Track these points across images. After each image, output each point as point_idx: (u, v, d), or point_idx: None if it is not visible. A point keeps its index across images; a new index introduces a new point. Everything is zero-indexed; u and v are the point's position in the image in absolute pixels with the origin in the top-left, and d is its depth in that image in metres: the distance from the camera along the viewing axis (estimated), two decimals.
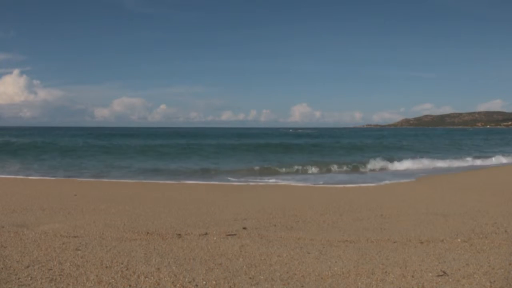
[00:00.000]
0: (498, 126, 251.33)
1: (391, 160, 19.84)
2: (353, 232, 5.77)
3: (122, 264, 3.99)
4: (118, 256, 4.27)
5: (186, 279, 3.59)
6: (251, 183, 13.41)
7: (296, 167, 17.70)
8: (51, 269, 3.75)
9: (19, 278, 3.51)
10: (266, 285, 3.52)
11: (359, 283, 3.58)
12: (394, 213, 7.40)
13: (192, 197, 10.00)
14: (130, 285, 3.44)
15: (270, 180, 14.26)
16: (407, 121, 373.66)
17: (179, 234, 5.49)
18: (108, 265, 3.93)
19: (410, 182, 13.64)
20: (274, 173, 16.48)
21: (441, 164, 20.48)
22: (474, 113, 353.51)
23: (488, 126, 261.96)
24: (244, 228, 5.97)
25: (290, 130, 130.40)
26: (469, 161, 21.89)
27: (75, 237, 5.18)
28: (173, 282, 3.51)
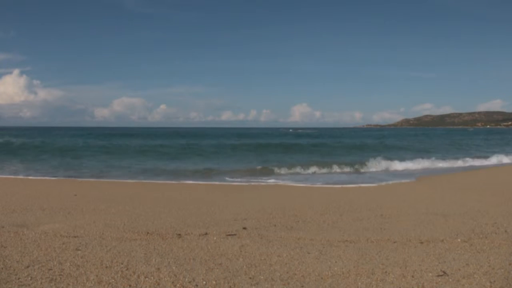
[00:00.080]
0: (498, 126, 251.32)
1: (391, 160, 19.83)
2: (353, 232, 5.77)
3: (122, 264, 3.99)
4: (118, 256, 4.27)
5: (186, 279, 3.59)
6: (251, 183, 13.42)
7: (296, 167, 17.69)
8: (51, 269, 3.75)
9: (19, 278, 3.51)
10: (266, 285, 3.52)
11: (359, 283, 3.58)
12: (394, 213, 7.40)
13: (192, 197, 10.00)
14: (130, 285, 3.44)
15: (270, 180, 14.26)
16: (407, 121, 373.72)
17: (179, 234, 5.49)
18: (108, 265, 3.93)
19: (410, 182, 13.64)
20: (274, 173, 16.48)
21: (441, 164, 20.48)
22: (474, 113, 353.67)
23: (488, 126, 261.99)
24: (244, 228, 5.97)
25: (290, 130, 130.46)
26: (469, 161, 21.89)
27: (75, 237, 5.18)
28: (173, 282, 3.51)
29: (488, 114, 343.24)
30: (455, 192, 10.59)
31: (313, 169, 17.45)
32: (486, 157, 23.38)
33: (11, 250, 4.39)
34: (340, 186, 12.58)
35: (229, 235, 5.48)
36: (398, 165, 18.96)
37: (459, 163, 21.27)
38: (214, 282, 3.54)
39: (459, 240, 5.19)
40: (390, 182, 13.35)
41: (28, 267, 3.81)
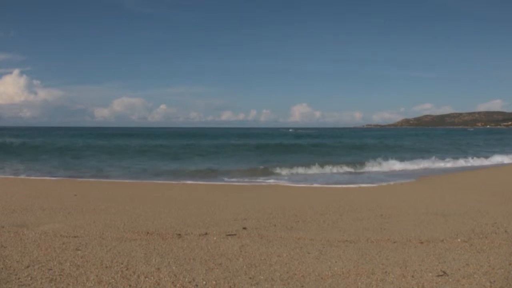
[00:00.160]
0: (498, 126, 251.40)
1: (391, 160, 19.82)
2: (353, 232, 5.77)
3: (122, 264, 3.99)
4: (118, 256, 4.27)
5: (186, 279, 3.59)
6: (251, 183, 13.42)
7: (296, 167, 17.68)
8: (51, 269, 3.75)
9: (19, 278, 3.51)
10: (266, 285, 3.52)
11: (359, 283, 3.58)
12: (394, 213, 7.40)
13: (192, 197, 10.00)
14: (130, 285, 3.44)
15: (270, 180, 14.25)
16: (407, 121, 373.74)
17: (179, 234, 5.49)
18: (108, 265, 3.93)
19: (410, 182, 13.64)
20: (274, 173, 16.46)
21: (441, 164, 20.48)
22: (474, 113, 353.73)
23: (488, 126, 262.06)
24: (244, 228, 5.97)
25: (290, 130, 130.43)
26: (469, 161, 21.89)
27: (75, 237, 5.18)
28: (173, 282, 3.51)
29: (488, 114, 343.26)
30: (455, 192, 10.59)
31: (313, 169, 17.44)
32: (486, 157, 23.36)
33: (11, 250, 4.39)
34: (340, 186, 12.58)
35: (229, 235, 5.48)
36: (398, 165, 18.96)
37: (459, 163, 21.26)
38: (214, 282, 3.54)
39: (459, 240, 5.19)
40: (390, 182, 13.35)
41: (28, 267, 3.81)
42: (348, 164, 18.85)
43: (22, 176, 14.85)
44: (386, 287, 3.50)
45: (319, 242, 5.11)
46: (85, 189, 11.12)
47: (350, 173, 17.11)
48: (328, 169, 17.69)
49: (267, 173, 16.68)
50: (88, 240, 4.98)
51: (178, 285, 3.47)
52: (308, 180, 14.45)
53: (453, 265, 4.06)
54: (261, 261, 4.22)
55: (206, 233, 5.57)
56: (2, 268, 3.77)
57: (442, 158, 22.19)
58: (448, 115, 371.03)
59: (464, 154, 25.69)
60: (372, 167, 18.37)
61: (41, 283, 3.42)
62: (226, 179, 14.65)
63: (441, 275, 3.75)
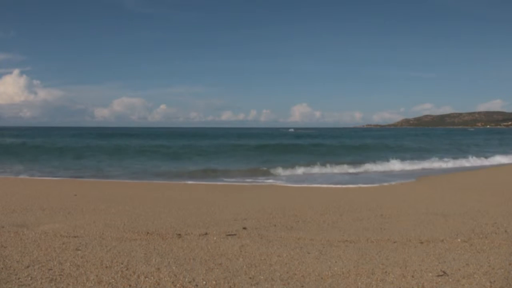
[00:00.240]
0: (498, 126, 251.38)
1: (391, 160, 19.83)
2: (353, 232, 5.77)
3: (122, 264, 3.99)
4: (118, 256, 4.26)
5: (186, 279, 3.59)
6: (251, 183, 13.42)
7: (296, 167, 17.69)
8: (51, 269, 3.75)
9: (19, 278, 3.51)
10: (266, 285, 3.51)
11: (359, 283, 3.58)
12: (394, 213, 7.40)
13: (192, 197, 10.00)
14: (130, 285, 3.44)
15: (270, 180, 14.26)
16: (407, 121, 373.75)
17: (179, 234, 5.49)
18: (108, 265, 3.93)
19: (410, 182, 13.64)
20: (274, 173, 16.46)
21: (441, 164, 20.48)
22: (474, 113, 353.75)
23: (488, 126, 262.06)
24: (244, 228, 5.97)
25: (290, 130, 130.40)
26: (469, 161, 21.89)
27: (75, 237, 5.18)
28: (173, 282, 3.51)
29: (488, 114, 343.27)
30: (455, 192, 10.59)
31: (313, 169, 17.44)
32: (486, 157, 23.37)
33: (11, 250, 4.39)
34: (340, 186, 12.58)
35: (229, 235, 5.48)
36: (398, 165, 18.96)
37: (459, 163, 21.26)
38: (214, 282, 3.54)
39: (459, 240, 5.19)
40: (391, 183, 13.35)
41: (28, 267, 3.81)
42: (348, 164, 18.86)
43: (22, 176, 14.85)
44: (386, 287, 3.50)
45: (319, 242, 5.11)
46: (85, 189, 11.12)
47: (350, 173, 17.11)
48: (328, 169, 17.69)
49: (267, 173, 16.69)
50: (88, 240, 4.97)
51: (178, 285, 3.47)
52: (308, 180, 14.45)
53: (453, 265, 4.06)
54: (261, 261, 4.22)
55: (206, 233, 5.57)
56: (2, 268, 3.76)
57: (442, 158, 22.19)
58: (448, 115, 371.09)
59: (464, 154, 25.67)
60: (372, 167, 18.37)
61: (41, 283, 3.42)
62: (226, 179, 14.65)
63: (441, 275, 3.75)
